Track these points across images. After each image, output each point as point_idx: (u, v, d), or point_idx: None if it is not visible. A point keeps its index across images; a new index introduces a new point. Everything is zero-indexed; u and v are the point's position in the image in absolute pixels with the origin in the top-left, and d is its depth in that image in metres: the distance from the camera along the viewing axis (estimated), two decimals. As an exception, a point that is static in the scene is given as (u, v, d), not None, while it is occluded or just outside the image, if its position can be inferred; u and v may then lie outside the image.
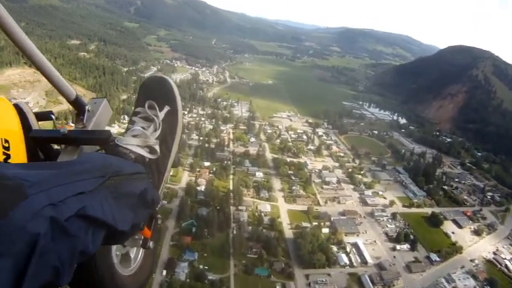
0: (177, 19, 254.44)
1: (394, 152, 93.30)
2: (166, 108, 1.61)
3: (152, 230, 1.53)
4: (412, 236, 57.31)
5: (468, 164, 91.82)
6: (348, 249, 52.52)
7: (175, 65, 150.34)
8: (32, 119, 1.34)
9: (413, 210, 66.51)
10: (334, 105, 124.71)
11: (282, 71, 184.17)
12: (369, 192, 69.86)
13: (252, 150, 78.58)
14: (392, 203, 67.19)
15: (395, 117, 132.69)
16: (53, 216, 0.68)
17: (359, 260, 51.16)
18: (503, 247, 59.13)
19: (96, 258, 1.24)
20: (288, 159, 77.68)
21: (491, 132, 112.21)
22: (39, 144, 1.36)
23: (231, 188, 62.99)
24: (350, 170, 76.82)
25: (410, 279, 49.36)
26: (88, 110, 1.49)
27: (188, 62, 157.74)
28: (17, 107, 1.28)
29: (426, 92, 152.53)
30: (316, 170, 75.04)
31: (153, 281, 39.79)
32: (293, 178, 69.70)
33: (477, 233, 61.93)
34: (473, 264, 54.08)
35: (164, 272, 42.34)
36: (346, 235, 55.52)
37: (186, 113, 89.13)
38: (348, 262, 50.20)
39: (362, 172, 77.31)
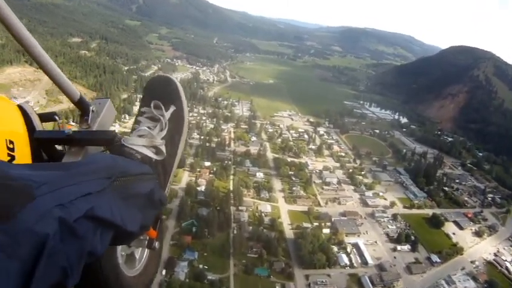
0: (179, 17, 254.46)
1: (395, 152, 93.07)
2: (172, 108, 1.60)
3: (157, 230, 1.53)
4: (412, 237, 57.19)
5: (469, 165, 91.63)
6: (349, 250, 52.45)
7: (176, 64, 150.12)
8: (36, 120, 1.34)
9: (414, 211, 66.39)
10: (335, 105, 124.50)
11: (283, 71, 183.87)
12: (369, 193, 69.73)
13: (253, 149, 78.42)
14: (393, 204, 67.09)
15: (396, 117, 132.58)
16: (61, 217, 0.67)
17: (359, 261, 51.10)
18: (504, 249, 59.01)
19: (101, 259, 1.22)
20: (289, 159, 77.55)
21: (492, 132, 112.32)
22: (43, 146, 1.35)
23: (232, 188, 62.89)
24: (351, 170, 76.67)
25: (410, 280, 49.27)
26: (92, 111, 1.48)
27: (189, 61, 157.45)
28: (20, 108, 1.28)
29: (427, 91, 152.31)
30: (317, 171, 74.94)
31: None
32: (294, 179, 69.56)
33: (478, 234, 61.80)
34: (474, 265, 53.96)
35: (164, 272, 42.31)
36: (346, 235, 55.40)
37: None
38: (348, 263, 50.13)
39: (363, 173, 77.13)
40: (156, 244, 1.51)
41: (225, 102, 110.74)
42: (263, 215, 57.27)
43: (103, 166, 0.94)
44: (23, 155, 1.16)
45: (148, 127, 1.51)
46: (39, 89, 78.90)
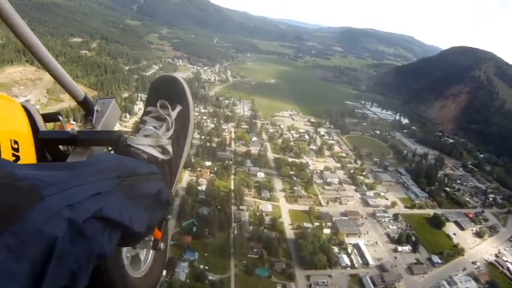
0: (180, 17, 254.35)
1: (396, 153, 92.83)
2: (178, 108, 1.59)
3: (162, 231, 1.52)
4: (413, 238, 57.03)
5: (470, 166, 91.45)
6: (350, 250, 52.31)
7: (177, 63, 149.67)
8: (39, 120, 1.33)
9: (415, 211, 66.24)
10: (336, 105, 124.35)
11: (284, 71, 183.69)
12: (370, 193, 69.58)
13: (254, 149, 78.24)
14: (394, 204, 66.95)
15: (397, 117, 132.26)
16: (70, 218, 0.66)
17: (360, 261, 50.96)
18: (505, 249, 58.86)
19: (107, 260, 1.18)
20: (290, 160, 77.40)
21: (493, 133, 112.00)
22: (47, 146, 1.34)
23: (232, 188, 62.77)
24: (352, 171, 76.55)
25: (411, 281, 49.14)
26: (97, 111, 1.47)
27: (190, 61, 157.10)
28: (24, 108, 1.27)
29: (428, 92, 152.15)
30: (318, 171, 74.79)
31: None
32: (295, 179, 69.43)
33: (479, 235, 61.62)
34: (475, 266, 53.82)
35: (164, 272, 42.06)
36: (347, 236, 55.24)
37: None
38: (349, 263, 50.01)
39: (364, 173, 76.97)
40: (161, 245, 1.50)
41: (226, 101, 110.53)
42: (264, 214, 57.17)
43: (110, 166, 0.93)
44: (28, 156, 1.15)
45: (154, 127, 1.49)
46: (40, 87, 78.90)
